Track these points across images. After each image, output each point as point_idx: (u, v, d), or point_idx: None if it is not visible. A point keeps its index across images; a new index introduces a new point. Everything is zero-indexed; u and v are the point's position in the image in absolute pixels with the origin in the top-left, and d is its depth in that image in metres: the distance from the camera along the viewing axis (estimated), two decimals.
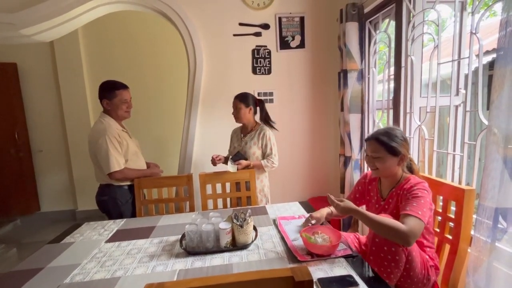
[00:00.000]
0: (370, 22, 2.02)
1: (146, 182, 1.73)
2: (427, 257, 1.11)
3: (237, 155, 1.81)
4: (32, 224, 3.33)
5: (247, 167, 1.80)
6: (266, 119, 1.93)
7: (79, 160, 3.27)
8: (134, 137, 1.83)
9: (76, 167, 3.32)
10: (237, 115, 1.89)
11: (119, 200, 1.68)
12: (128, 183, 1.73)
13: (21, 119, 3.21)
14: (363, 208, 1.10)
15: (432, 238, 1.17)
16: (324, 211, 1.29)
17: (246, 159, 1.82)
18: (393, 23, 1.76)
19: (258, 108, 1.95)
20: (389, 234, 0.97)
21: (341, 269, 0.96)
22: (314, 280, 0.87)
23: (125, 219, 1.54)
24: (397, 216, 1.06)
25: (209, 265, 1.02)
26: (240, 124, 1.99)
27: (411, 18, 1.62)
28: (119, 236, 1.33)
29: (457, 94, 1.51)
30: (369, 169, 1.25)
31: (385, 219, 0.99)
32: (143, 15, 2.75)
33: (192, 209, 1.75)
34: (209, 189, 1.78)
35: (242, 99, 1.87)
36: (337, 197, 1.15)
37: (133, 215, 1.74)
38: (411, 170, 1.22)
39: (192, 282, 0.58)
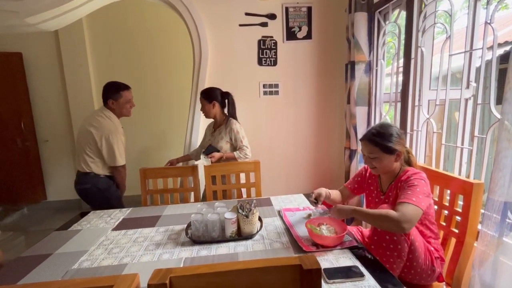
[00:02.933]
0: (379, 12, 1.97)
1: (152, 172, 1.73)
2: (432, 248, 1.10)
3: (209, 149, 1.83)
4: (38, 213, 3.39)
5: (220, 159, 1.83)
6: (231, 113, 1.94)
7: None
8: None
9: None
10: (203, 111, 1.93)
11: (101, 187, 1.79)
12: (107, 173, 1.84)
13: (26, 108, 3.22)
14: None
15: (436, 229, 1.17)
16: (323, 190, 1.30)
17: (218, 151, 1.84)
18: (403, 13, 1.72)
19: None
20: (383, 223, 0.98)
21: (346, 260, 0.96)
22: None
23: (131, 208, 1.55)
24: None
25: (215, 254, 1.03)
26: None
27: (423, 8, 1.58)
28: (125, 225, 1.34)
29: (468, 87, 1.48)
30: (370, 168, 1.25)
31: (378, 210, 1.01)
32: (149, 4, 2.72)
33: (197, 200, 1.76)
34: (213, 180, 1.79)
35: (204, 95, 1.90)
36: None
37: (119, 199, 1.87)
38: (409, 162, 1.22)
39: (200, 268, 0.59)
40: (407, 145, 1.73)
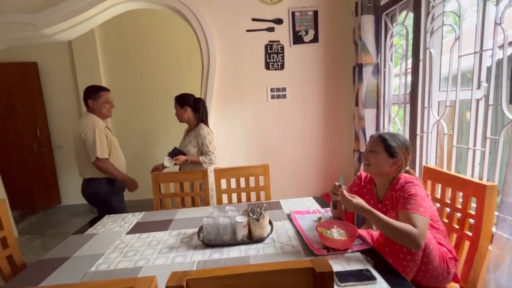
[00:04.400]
0: (386, 14, 1.97)
1: (163, 177, 1.77)
2: (445, 249, 1.09)
3: (174, 151, 1.90)
4: (53, 217, 3.49)
5: (184, 161, 1.89)
6: (202, 119, 2.00)
7: None
8: (114, 137, 1.98)
9: None
10: (176, 115, 2.00)
11: (102, 192, 1.87)
12: (106, 176, 1.88)
13: (42, 116, 3.34)
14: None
15: (441, 226, 1.16)
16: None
17: (184, 154, 1.91)
18: (411, 15, 1.72)
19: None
20: (402, 238, 0.96)
21: (357, 263, 0.96)
22: None
23: (144, 212, 1.59)
24: (395, 218, 1.04)
25: (227, 257, 1.05)
26: None
27: (431, 10, 1.57)
28: (138, 228, 1.38)
29: (479, 87, 1.46)
30: (362, 166, 1.24)
31: (397, 222, 0.98)
32: (158, 13, 2.78)
33: (207, 203, 1.79)
34: (223, 183, 1.81)
35: (178, 100, 1.97)
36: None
37: (121, 203, 1.95)
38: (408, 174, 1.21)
39: (215, 271, 0.60)
40: (417, 147, 1.72)
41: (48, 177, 3.44)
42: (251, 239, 1.16)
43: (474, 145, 1.38)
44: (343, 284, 0.84)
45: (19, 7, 2.09)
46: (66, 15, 2.06)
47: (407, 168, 1.21)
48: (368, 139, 1.99)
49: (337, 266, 0.95)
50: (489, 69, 1.30)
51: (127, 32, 3.38)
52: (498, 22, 1.17)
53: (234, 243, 1.14)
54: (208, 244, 1.14)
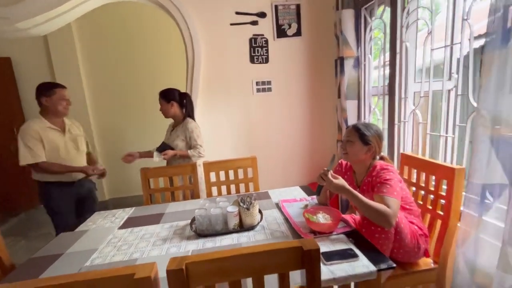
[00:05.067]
0: (365, 9, 2.04)
1: (152, 172, 1.78)
2: (416, 227, 1.20)
3: (162, 146, 1.91)
4: (36, 218, 3.38)
5: (174, 156, 1.90)
6: (189, 113, 2.00)
7: None
8: (72, 133, 1.87)
9: None
10: (161, 111, 1.98)
11: (42, 196, 1.81)
12: (50, 180, 1.78)
13: (19, 114, 3.20)
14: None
15: (414, 207, 1.27)
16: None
17: (172, 149, 1.91)
18: (388, 9, 1.80)
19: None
20: (377, 216, 1.06)
21: (342, 244, 1.04)
22: None
23: (134, 208, 1.60)
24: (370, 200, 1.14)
25: (220, 245, 1.10)
26: None
27: (406, 5, 1.65)
28: (130, 223, 1.40)
29: (450, 78, 1.57)
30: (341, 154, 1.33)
31: (374, 202, 1.08)
32: (139, 6, 2.71)
33: (197, 197, 1.82)
34: (212, 176, 1.85)
35: (163, 95, 1.95)
36: None
37: (66, 208, 1.83)
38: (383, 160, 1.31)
39: (212, 255, 0.65)
40: (395, 135, 1.83)
41: (28, 177, 3.31)
42: (242, 227, 1.21)
43: (446, 133, 1.49)
44: (329, 262, 0.92)
45: None
46: (42, 8, 1.98)
47: (382, 154, 1.31)
48: None
49: (323, 247, 1.02)
50: (458, 61, 1.40)
51: (107, 26, 3.27)
52: (465, 18, 1.26)
53: (226, 232, 1.19)
54: (201, 234, 1.18)
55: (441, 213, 1.29)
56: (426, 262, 1.27)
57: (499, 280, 1.02)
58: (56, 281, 0.59)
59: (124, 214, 1.53)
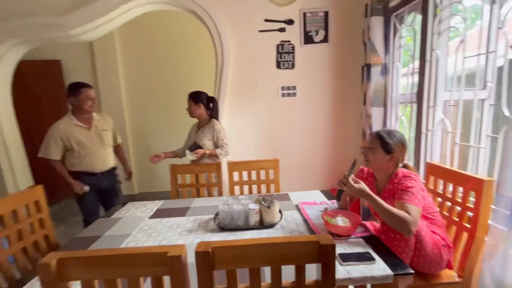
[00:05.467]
0: (395, 16, 2.03)
1: (180, 168, 1.91)
2: (438, 237, 1.17)
3: (194, 146, 2.01)
4: (73, 206, 3.69)
5: (203, 155, 1.98)
6: (214, 116, 2.12)
7: None
8: (99, 128, 2.02)
9: None
10: (189, 110, 2.08)
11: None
12: (76, 169, 1.98)
13: (65, 111, 3.53)
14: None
15: (438, 217, 1.23)
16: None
17: (202, 148, 2.01)
18: (419, 17, 1.78)
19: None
20: (397, 222, 1.05)
21: (359, 247, 1.06)
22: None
23: (163, 201, 1.72)
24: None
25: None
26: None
27: (438, 12, 1.63)
28: (159, 214, 1.51)
29: (484, 87, 1.51)
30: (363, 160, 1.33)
31: (394, 208, 1.08)
32: (173, 14, 2.91)
33: (220, 194, 1.91)
34: (236, 176, 1.93)
35: (192, 96, 2.06)
36: None
37: (89, 196, 2.02)
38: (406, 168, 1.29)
39: (235, 242, 0.72)
40: (422, 144, 1.79)
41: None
42: (262, 224, 1.27)
43: (479, 143, 1.43)
44: (345, 263, 0.94)
45: (49, 10, 2.25)
46: (92, 16, 2.21)
47: (406, 162, 1.30)
48: None
49: (341, 249, 1.05)
50: (494, 70, 1.35)
51: (144, 32, 3.54)
52: (500, 26, 1.23)
53: (247, 227, 1.25)
54: (223, 228, 1.26)
55: (468, 225, 1.25)
56: (450, 275, 1.24)
57: None
58: (103, 253, 0.69)
59: (154, 205, 1.66)
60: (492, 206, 1.16)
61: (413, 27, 1.84)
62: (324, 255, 0.69)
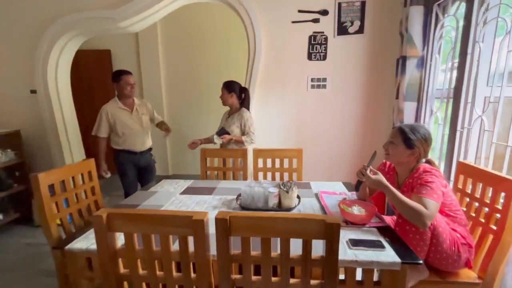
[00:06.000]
0: (438, 5, 1.91)
1: (209, 152, 2.06)
2: (458, 235, 1.15)
3: (221, 131, 2.13)
4: (117, 182, 4.13)
5: (230, 140, 2.10)
6: (245, 105, 2.21)
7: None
8: (139, 112, 2.25)
9: None
10: (221, 98, 2.20)
11: (114, 160, 2.28)
12: (119, 148, 2.22)
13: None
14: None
15: (461, 215, 1.20)
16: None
17: (229, 134, 2.12)
18: (463, 6, 1.66)
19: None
20: (412, 215, 1.06)
21: (371, 235, 1.09)
22: (345, 240, 1.04)
23: (193, 180, 1.89)
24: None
25: None
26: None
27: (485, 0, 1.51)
28: (189, 191, 1.68)
29: None
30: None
31: (411, 200, 1.08)
32: (210, 6, 3.02)
33: (245, 179, 2.03)
34: (260, 163, 2.03)
35: (226, 85, 2.18)
36: None
37: (130, 171, 2.28)
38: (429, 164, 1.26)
39: (250, 213, 0.82)
40: (457, 142, 1.70)
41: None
42: (281, 207, 1.35)
43: None
44: (355, 247, 0.99)
45: (102, 5, 2.51)
46: (139, 9, 2.42)
47: (429, 158, 1.27)
48: None
49: (353, 235, 1.09)
50: None
51: (183, 24, 3.75)
52: None
53: (266, 209, 1.35)
54: (244, 207, 1.37)
55: (494, 227, 1.20)
56: (469, 275, 1.21)
57: None
58: (141, 212, 0.83)
59: (185, 183, 1.83)
60: None
61: (456, 17, 1.73)
62: (329, 233, 0.76)
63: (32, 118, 2.72)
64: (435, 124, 1.99)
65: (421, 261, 0.93)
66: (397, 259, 0.93)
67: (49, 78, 2.57)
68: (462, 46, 1.63)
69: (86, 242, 1.06)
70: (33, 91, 2.65)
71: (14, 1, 2.56)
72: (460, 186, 1.44)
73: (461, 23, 1.66)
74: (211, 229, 0.81)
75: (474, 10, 1.55)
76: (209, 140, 2.29)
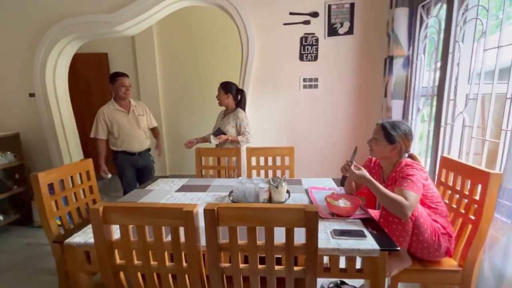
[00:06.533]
0: (422, 6, 1.98)
1: (204, 151, 2.12)
2: (439, 225, 1.22)
3: (217, 131, 2.19)
4: (116, 183, 4.18)
5: (226, 140, 2.15)
6: (241, 106, 2.27)
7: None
8: (136, 113, 2.30)
9: None
10: (218, 98, 2.26)
11: (113, 161, 2.33)
12: (114, 148, 2.27)
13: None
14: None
15: (442, 207, 1.26)
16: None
17: (225, 134, 2.18)
18: (445, 7, 1.73)
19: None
20: (393, 206, 1.13)
21: (355, 226, 1.16)
22: (329, 230, 1.10)
23: (188, 178, 1.95)
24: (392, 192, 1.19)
25: None
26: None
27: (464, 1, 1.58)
28: (184, 189, 1.74)
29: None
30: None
31: (392, 193, 1.16)
32: (204, 9, 3.10)
33: (239, 176, 2.09)
34: (253, 161, 2.09)
35: (223, 86, 2.24)
36: None
37: (121, 174, 2.32)
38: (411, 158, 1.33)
39: (236, 205, 0.88)
40: (441, 138, 1.77)
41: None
42: (271, 202, 1.41)
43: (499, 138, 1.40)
44: (337, 237, 1.06)
45: (99, 9, 2.57)
46: (135, 13, 2.49)
47: (411, 153, 1.34)
48: None
49: (337, 226, 1.16)
50: None
51: (178, 27, 3.83)
52: None
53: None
54: (235, 202, 1.43)
55: (473, 217, 1.27)
56: (450, 264, 1.28)
57: None
58: (137, 205, 0.90)
59: (180, 182, 1.89)
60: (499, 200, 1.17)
61: (438, 18, 1.80)
62: (308, 221, 0.82)
63: (31, 121, 2.78)
64: (421, 121, 2.05)
65: (398, 248, 0.99)
66: (376, 246, 0.99)
67: (47, 82, 2.63)
68: (444, 46, 1.70)
69: (85, 236, 1.12)
70: (32, 95, 2.71)
71: (13, 6, 2.62)
72: (443, 180, 1.50)
73: (443, 24, 1.73)
74: (202, 223, 0.87)
75: (454, 11, 1.62)
76: (205, 139, 2.35)
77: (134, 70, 3.92)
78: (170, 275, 0.96)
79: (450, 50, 1.66)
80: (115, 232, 0.95)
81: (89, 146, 3.92)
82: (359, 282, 1.61)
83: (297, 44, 2.56)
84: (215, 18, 3.55)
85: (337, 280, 1.61)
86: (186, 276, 0.95)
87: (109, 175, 2.34)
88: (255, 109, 2.69)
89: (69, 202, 1.54)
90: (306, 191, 1.62)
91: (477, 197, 1.27)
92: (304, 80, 2.60)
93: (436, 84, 1.79)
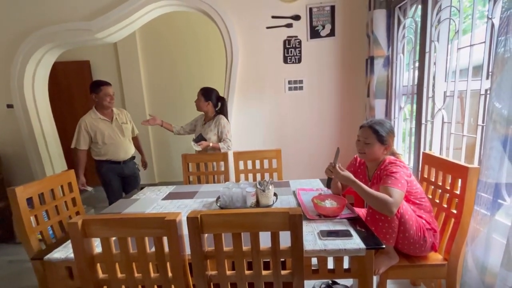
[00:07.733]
0: (399, 8, 2.04)
1: (191, 157, 2.09)
2: (424, 221, 1.24)
3: (198, 137, 2.19)
4: (101, 194, 4.08)
5: (207, 147, 2.13)
6: (224, 113, 2.25)
7: None
8: (119, 121, 2.25)
9: None
10: (196, 103, 2.23)
11: (97, 170, 2.28)
12: (102, 158, 2.22)
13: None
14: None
15: (426, 203, 1.29)
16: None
17: (206, 140, 2.16)
18: (420, 8, 1.79)
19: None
20: (378, 204, 1.15)
21: (341, 226, 1.16)
22: (316, 232, 1.10)
23: (175, 186, 1.92)
24: (376, 190, 1.21)
25: None
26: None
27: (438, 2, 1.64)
28: (171, 196, 1.71)
29: (487, 78, 1.51)
30: (358, 152, 1.40)
31: (377, 192, 1.18)
32: (187, 14, 3.09)
33: (227, 181, 2.07)
34: (241, 165, 2.08)
35: (203, 93, 2.20)
36: None
37: (113, 181, 2.27)
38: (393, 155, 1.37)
39: (220, 211, 0.87)
40: (422, 135, 1.82)
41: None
42: (258, 206, 1.41)
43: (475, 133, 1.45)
44: (324, 238, 1.06)
45: (78, 17, 2.52)
46: (115, 20, 2.45)
47: (394, 150, 1.36)
48: None
49: (324, 227, 1.16)
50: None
51: (161, 32, 3.79)
52: (490, 17, 1.24)
53: (245, 208, 1.40)
54: (223, 208, 1.42)
55: (455, 211, 1.30)
56: (436, 258, 1.30)
57: (502, 278, 1.03)
58: (118, 216, 0.87)
59: (167, 189, 1.86)
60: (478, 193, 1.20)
61: (414, 19, 1.85)
62: (293, 224, 0.82)
63: (10, 133, 2.68)
64: (403, 119, 2.10)
65: (384, 246, 1.00)
66: (362, 245, 1.00)
67: (26, 92, 2.55)
68: (421, 45, 1.75)
69: (65, 251, 1.08)
70: (10, 106, 2.61)
71: None
72: (426, 176, 1.54)
73: (419, 24, 1.78)
74: (186, 230, 0.86)
75: (429, 12, 1.68)
76: (172, 128, 2.36)
77: (117, 77, 3.85)
78: (155, 287, 0.94)
79: (427, 49, 1.71)
80: (97, 245, 0.92)
81: (72, 156, 3.82)
82: (350, 281, 1.62)
83: (281, 47, 2.58)
84: (199, 22, 3.54)
85: (329, 280, 1.62)
86: (172, 286, 0.93)
87: (89, 188, 2.27)
88: (242, 112, 2.69)
89: (50, 216, 1.49)
90: (294, 193, 1.62)
91: (457, 191, 1.31)
92: (289, 82, 2.63)
93: (416, 82, 1.84)
